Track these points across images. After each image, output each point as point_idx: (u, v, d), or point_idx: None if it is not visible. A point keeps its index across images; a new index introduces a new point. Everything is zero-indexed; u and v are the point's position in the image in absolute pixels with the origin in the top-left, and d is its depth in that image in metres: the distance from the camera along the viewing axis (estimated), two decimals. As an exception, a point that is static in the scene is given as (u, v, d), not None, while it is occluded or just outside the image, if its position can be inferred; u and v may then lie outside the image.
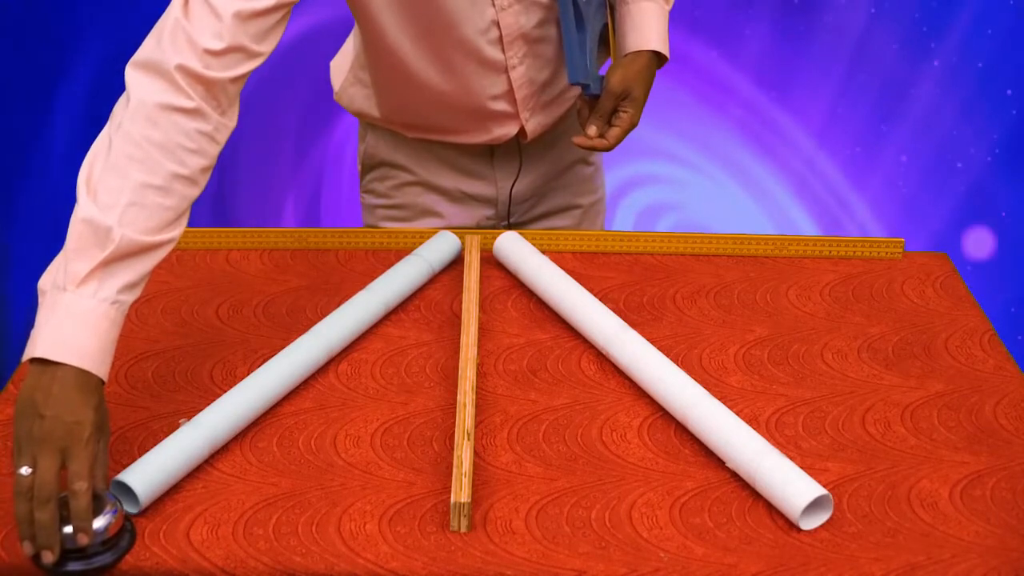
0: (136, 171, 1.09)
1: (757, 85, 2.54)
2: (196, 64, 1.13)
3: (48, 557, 0.98)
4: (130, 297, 1.09)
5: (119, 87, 1.14)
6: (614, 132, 1.43)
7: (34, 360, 1.03)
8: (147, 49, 1.14)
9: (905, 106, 2.45)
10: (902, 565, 0.99)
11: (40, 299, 1.06)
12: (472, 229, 1.54)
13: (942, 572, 0.98)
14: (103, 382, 1.05)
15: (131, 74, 1.13)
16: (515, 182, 1.61)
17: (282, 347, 1.25)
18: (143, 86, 1.12)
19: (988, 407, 1.20)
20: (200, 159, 1.14)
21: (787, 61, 2.50)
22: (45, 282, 1.07)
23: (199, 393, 1.22)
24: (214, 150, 1.16)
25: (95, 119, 2.54)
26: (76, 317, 1.04)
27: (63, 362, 1.02)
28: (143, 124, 1.10)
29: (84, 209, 1.07)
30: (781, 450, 1.11)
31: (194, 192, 1.14)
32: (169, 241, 1.12)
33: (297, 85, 2.56)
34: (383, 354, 1.30)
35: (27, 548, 0.99)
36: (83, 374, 1.02)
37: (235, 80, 1.17)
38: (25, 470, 0.99)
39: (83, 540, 0.98)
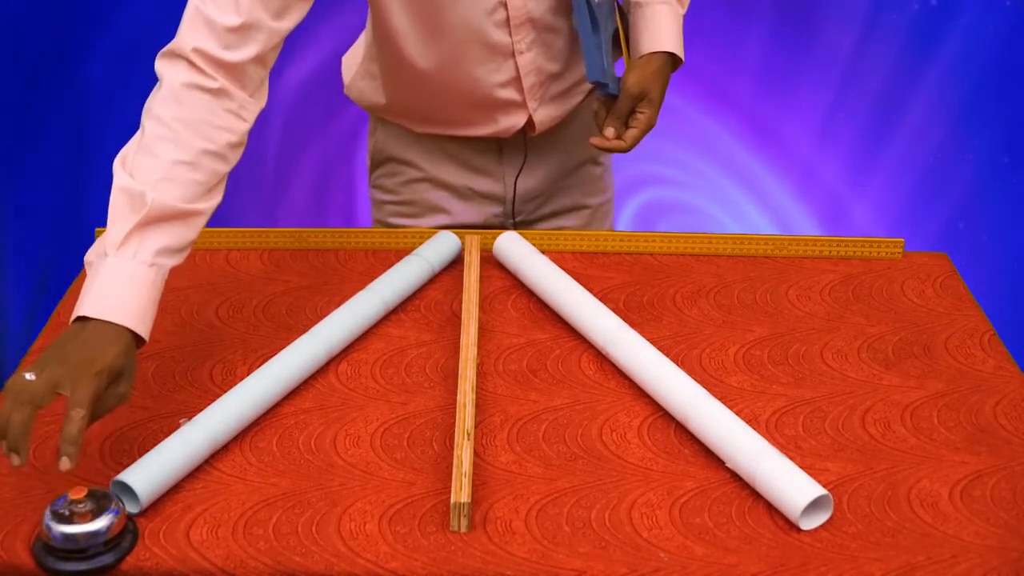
0: (166, 150, 1.14)
1: (758, 85, 2.54)
2: (214, 44, 1.18)
3: (15, 460, 0.98)
4: (169, 262, 1.13)
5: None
6: (631, 133, 1.43)
7: (77, 319, 1.07)
8: (173, 40, 1.19)
9: (905, 106, 2.46)
10: (902, 565, 0.99)
11: (87, 270, 1.11)
12: (480, 227, 1.54)
13: (942, 572, 0.98)
14: (140, 339, 1.09)
15: (159, 63, 1.19)
16: (519, 175, 1.61)
17: (282, 347, 1.25)
18: (169, 71, 1.18)
19: (988, 407, 1.20)
20: (227, 135, 1.18)
21: (788, 61, 2.50)
22: (90, 254, 1.12)
23: (199, 393, 1.22)
24: (241, 127, 1.20)
25: (94, 118, 2.53)
26: (116, 278, 1.09)
27: (102, 319, 1.06)
28: (172, 105, 1.16)
29: (119, 180, 1.12)
30: (781, 450, 1.11)
31: (223, 167, 1.19)
32: (203, 211, 1.16)
33: (308, 80, 2.56)
34: (383, 354, 1.30)
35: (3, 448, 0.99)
36: (117, 328, 1.06)
37: (255, 61, 1.21)
38: (29, 375, 1.01)
39: (65, 465, 0.98)
